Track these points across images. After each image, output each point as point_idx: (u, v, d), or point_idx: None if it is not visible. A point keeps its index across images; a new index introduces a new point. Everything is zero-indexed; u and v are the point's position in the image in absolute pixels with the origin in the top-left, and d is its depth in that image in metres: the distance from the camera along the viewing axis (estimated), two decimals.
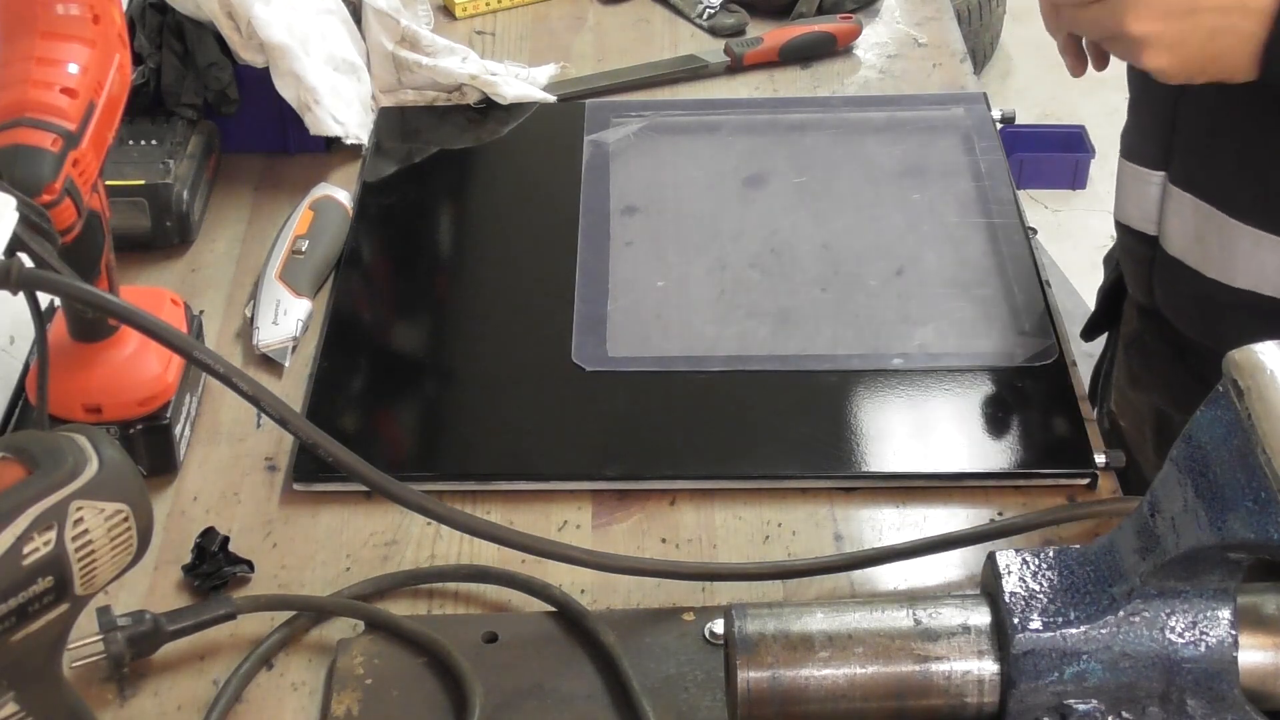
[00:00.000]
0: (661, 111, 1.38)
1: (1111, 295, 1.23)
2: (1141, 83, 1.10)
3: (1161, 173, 1.08)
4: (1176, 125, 1.06)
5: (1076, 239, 2.90)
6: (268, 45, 1.25)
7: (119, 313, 0.83)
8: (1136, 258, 1.13)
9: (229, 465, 1.04)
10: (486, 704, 0.85)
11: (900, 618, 0.80)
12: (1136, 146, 1.11)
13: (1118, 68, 1.02)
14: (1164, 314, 1.12)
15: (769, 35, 1.47)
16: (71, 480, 0.66)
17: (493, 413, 1.08)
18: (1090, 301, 1.29)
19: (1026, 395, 1.06)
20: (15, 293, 0.77)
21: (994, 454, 1.02)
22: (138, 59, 1.26)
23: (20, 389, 1.07)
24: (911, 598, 0.83)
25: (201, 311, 1.12)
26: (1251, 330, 1.02)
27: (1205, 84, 0.95)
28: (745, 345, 1.11)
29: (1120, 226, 1.14)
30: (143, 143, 1.23)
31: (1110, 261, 1.25)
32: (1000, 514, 0.99)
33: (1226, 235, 1.03)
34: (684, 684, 0.87)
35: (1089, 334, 1.27)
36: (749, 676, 0.79)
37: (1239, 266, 1.03)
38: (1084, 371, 1.13)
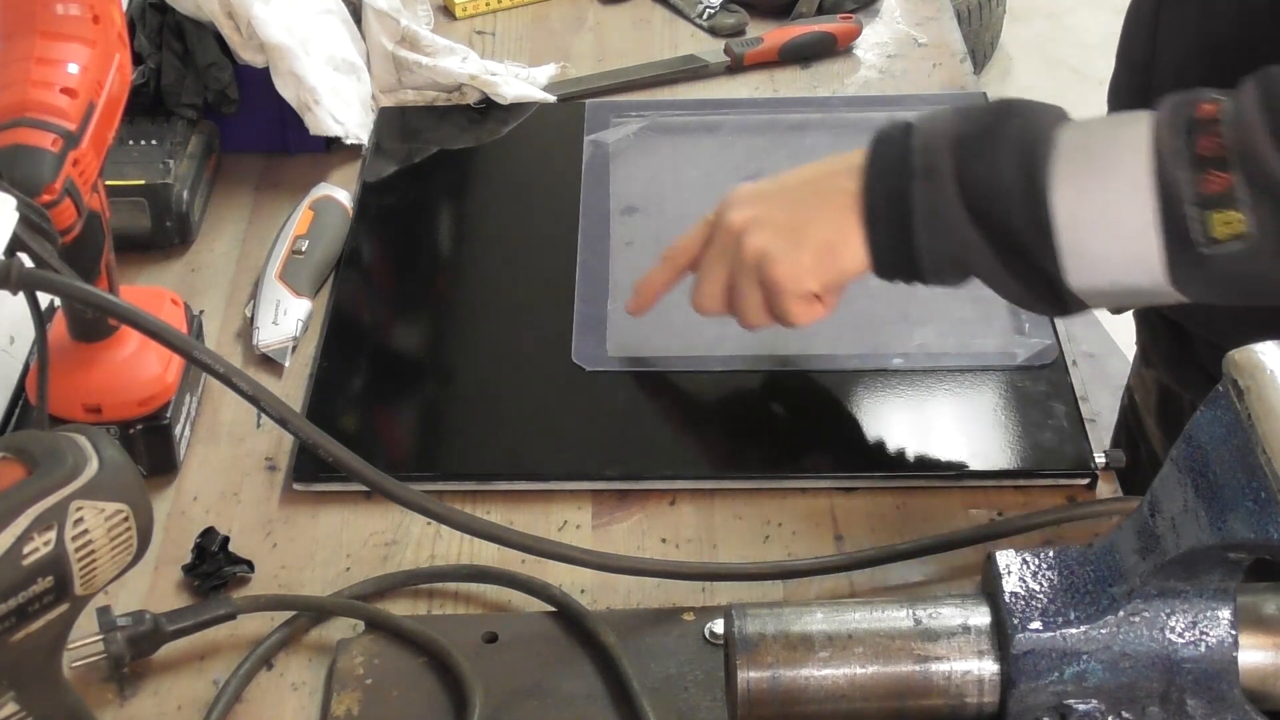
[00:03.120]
0: (661, 111, 1.38)
1: None
2: (1122, 59, 1.12)
3: None
4: (1148, 101, 1.07)
5: None
6: (268, 45, 1.25)
7: (119, 313, 0.83)
8: None
9: (229, 465, 1.04)
10: (486, 704, 0.85)
11: (900, 618, 0.80)
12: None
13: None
14: None
15: (769, 35, 1.47)
16: (71, 480, 0.66)
17: (493, 413, 1.08)
18: None
19: (1026, 395, 1.06)
20: (15, 293, 0.77)
21: (994, 454, 1.02)
22: (138, 59, 1.26)
23: (20, 389, 1.07)
24: (911, 598, 0.83)
25: (201, 311, 1.12)
26: (1219, 309, 1.04)
27: (1167, 70, 0.95)
28: (745, 345, 1.11)
29: None
30: (143, 143, 1.23)
31: None
32: (1000, 514, 0.99)
33: None
34: (684, 684, 0.87)
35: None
36: (749, 676, 0.79)
37: None
38: (1087, 367, 1.14)
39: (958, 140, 0.91)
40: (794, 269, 0.96)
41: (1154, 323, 1.19)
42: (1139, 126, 0.86)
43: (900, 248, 0.93)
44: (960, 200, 0.90)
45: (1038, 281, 0.90)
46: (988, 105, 0.94)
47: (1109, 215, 0.86)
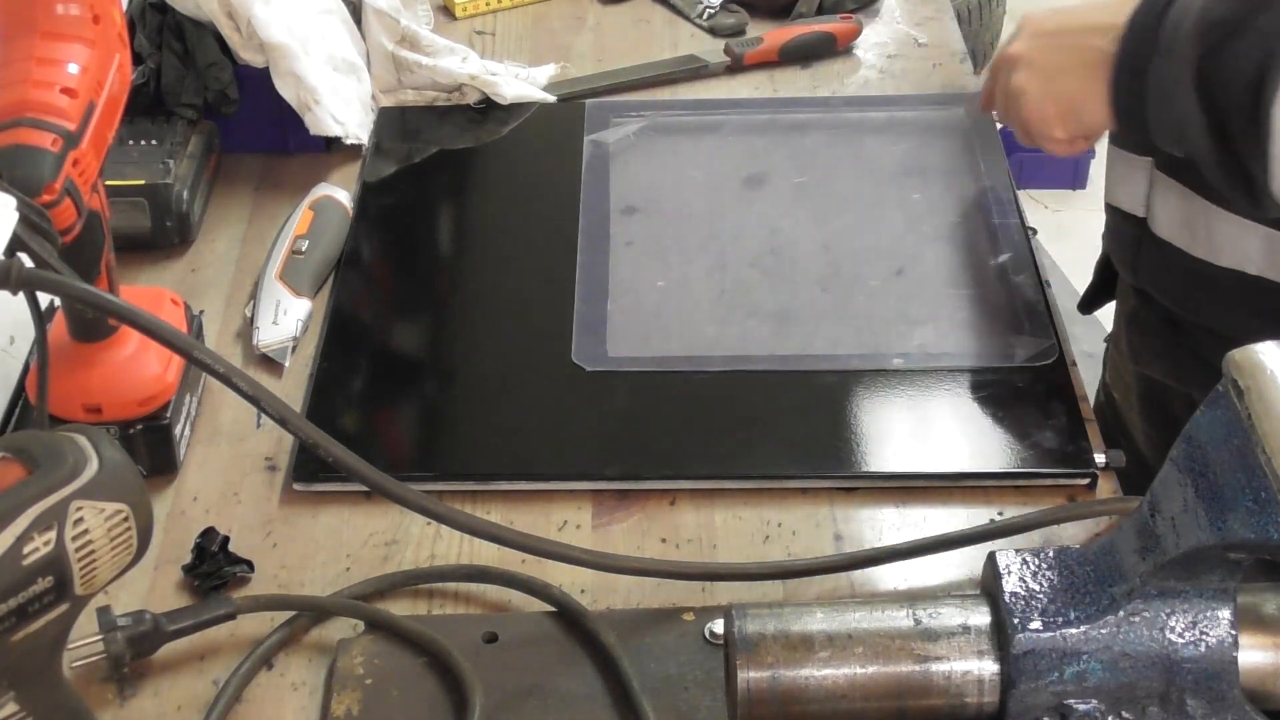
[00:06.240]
0: (661, 111, 1.38)
1: (1107, 268, 1.25)
2: None
3: (1149, 159, 1.09)
4: None
5: (1076, 239, 2.90)
6: (268, 45, 1.25)
7: (119, 313, 0.83)
8: (1124, 238, 1.15)
9: (229, 465, 1.04)
10: (486, 704, 0.85)
11: (900, 618, 0.80)
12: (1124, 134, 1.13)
13: None
14: (1147, 289, 1.15)
15: (769, 35, 1.47)
16: (71, 480, 0.66)
17: (493, 413, 1.08)
18: None
19: (1026, 395, 1.06)
20: (15, 293, 0.77)
21: (994, 454, 1.02)
22: (138, 59, 1.26)
23: (20, 389, 1.07)
24: (911, 598, 0.83)
25: (201, 311, 1.12)
26: (1235, 304, 1.06)
27: None
28: (745, 345, 1.11)
29: (1110, 208, 1.16)
30: (143, 143, 1.23)
31: (1106, 235, 1.27)
32: (1000, 514, 0.99)
33: (1211, 220, 1.05)
34: (684, 684, 0.87)
35: (1086, 306, 1.28)
36: (749, 676, 0.79)
37: (1224, 248, 1.06)
38: (1087, 367, 1.14)
39: (1205, 23, 0.93)
40: (1040, 114, 1.06)
41: (1144, 320, 1.19)
42: None
43: (1136, 115, 0.99)
44: (1193, 83, 0.93)
45: (1243, 178, 0.94)
46: None
47: None
